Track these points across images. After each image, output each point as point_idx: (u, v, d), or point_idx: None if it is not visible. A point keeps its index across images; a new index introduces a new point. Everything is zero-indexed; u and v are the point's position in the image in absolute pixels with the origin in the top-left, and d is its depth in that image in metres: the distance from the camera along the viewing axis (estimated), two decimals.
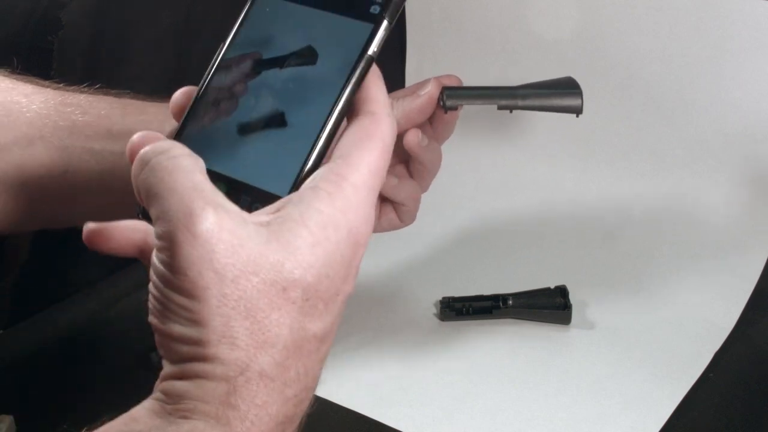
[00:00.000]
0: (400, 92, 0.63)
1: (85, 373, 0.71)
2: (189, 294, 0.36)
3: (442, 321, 0.77)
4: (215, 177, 0.41)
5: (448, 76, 0.64)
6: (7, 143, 0.59)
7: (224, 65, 0.45)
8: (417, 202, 0.66)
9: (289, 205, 0.39)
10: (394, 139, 0.42)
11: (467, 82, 1.07)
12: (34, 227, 0.69)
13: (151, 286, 0.38)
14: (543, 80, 0.69)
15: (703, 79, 0.87)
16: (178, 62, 0.94)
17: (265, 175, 0.42)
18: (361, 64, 0.43)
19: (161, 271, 0.37)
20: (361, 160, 0.40)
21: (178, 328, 0.37)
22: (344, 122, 0.43)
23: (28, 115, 0.60)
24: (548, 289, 0.76)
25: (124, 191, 0.46)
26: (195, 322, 0.36)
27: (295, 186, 0.41)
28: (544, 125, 0.97)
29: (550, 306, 0.75)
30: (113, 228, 0.43)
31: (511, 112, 0.68)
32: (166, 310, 0.37)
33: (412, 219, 0.67)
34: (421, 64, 1.04)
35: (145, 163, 0.39)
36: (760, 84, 0.85)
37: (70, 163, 0.60)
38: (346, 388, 0.68)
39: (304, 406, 0.39)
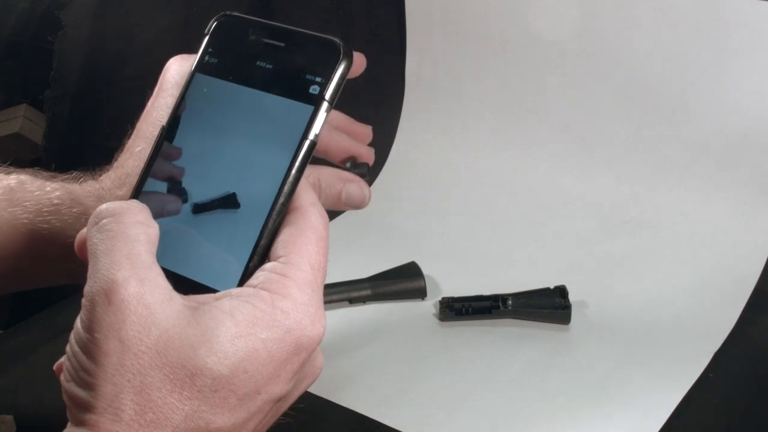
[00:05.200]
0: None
1: None
2: (91, 355, 0.36)
3: (442, 321, 0.77)
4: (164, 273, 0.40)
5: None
6: None
7: (165, 154, 0.44)
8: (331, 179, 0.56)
9: (226, 297, 0.39)
10: (327, 227, 0.41)
11: (466, 81, 1.07)
12: None
13: (68, 345, 0.38)
14: (389, 269, 0.80)
15: (702, 79, 0.87)
16: None
17: (211, 272, 0.40)
18: (302, 152, 0.41)
19: (78, 329, 0.37)
20: (301, 258, 0.40)
21: (74, 389, 0.37)
22: None
23: None
24: (548, 289, 0.76)
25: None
26: (88, 385, 0.36)
27: (241, 282, 0.40)
28: (544, 125, 0.97)
29: (549, 306, 0.75)
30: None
31: (364, 303, 0.79)
32: (72, 368, 0.37)
33: (341, 201, 0.56)
34: (421, 64, 1.04)
35: (96, 221, 0.39)
36: (760, 84, 0.85)
37: None
38: (346, 388, 0.68)
39: None
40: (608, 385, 0.68)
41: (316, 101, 0.41)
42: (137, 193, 0.43)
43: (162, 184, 0.43)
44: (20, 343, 0.76)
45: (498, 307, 0.75)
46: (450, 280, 0.82)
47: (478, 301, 0.76)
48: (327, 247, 0.41)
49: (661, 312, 0.77)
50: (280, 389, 0.38)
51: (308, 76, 0.42)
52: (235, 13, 0.45)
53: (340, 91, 0.42)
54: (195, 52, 0.45)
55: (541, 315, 0.75)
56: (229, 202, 0.42)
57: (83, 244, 0.40)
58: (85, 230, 0.41)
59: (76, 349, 0.37)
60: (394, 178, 1.00)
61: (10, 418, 0.62)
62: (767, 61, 0.84)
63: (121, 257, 0.37)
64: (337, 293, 0.79)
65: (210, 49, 0.45)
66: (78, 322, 0.38)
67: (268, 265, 0.40)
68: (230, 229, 0.41)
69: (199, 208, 0.42)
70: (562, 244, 0.88)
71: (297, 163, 0.41)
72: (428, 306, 0.79)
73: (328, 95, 0.41)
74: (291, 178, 0.41)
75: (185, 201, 0.42)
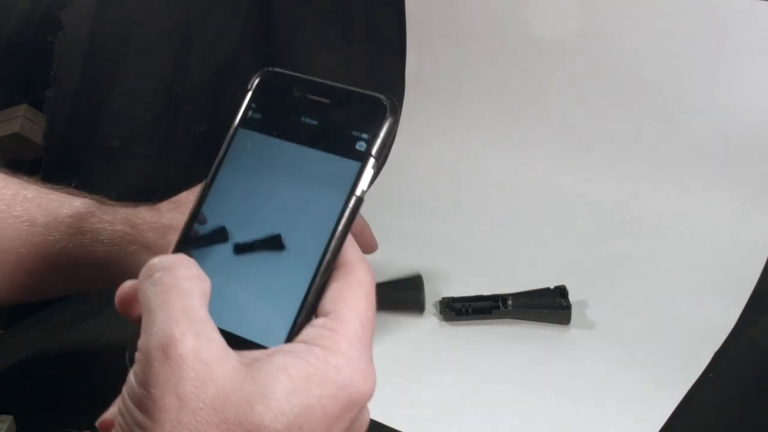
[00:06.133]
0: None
1: (85, 372, 0.71)
2: (147, 412, 0.36)
3: (442, 321, 0.77)
4: None
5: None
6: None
7: (208, 211, 0.43)
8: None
9: (279, 353, 0.38)
10: (374, 283, 0.41)
11: (466, 82, 1.07)
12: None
13: (119, 400, 0.38)
14: (392, 279, 0.77)
15: (702, 79, 0.87)
16: (178, 62, 0.94)
17: (258, 328, 0.40)
18: (349, 208, 0.40)
19: (131, 384, 0.37)
20: (351, 313, 0.39)
21: None
22: None
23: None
24: (548, 289, 0.76)
25: None
26: None
27: (289, 338, 0.40)
28: (544, 125, 0.97)
29: (549, 306, 0.75)
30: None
31: None
32: (126, 424, 0.37)
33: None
34: (421, 64, 1.04)
35: (150, 274, 0.39)
36: (759, 85, 0.85)
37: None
38: None
39: None
40: (608, 385, 0.68)
41: (362, 157, 0.41)
42: (180, 248, 0.43)
43: (206, 240, 0.43)
44: (20, 343, 0.76)
45: (498, 307, 0.75)
46: (450, 280, 0.82)
47: (478, 301, 0.76)
48: (374, 303, 0.41)
49: (661, 312, 0.77)
50: None
51: (354, 132, 0.41)
52: (278, 69, 0.44)
53: (386, 148, 0.42)
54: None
55: (541, 315, 0.75)
56: (274, 244, 0.41)
57: (127, 298, 0.40)
58: (126, 284, 0.41)
59: (131, 404, 0.37)
60: (394, 178, 1.00)
61: (10, 418, 0.62)
62: (767, 61, 0.84)
63: (176, 311, 0.37)
64: None
65: (253, 105, 0.44)
66: (131, 377, 0.37)
67: (317, 321, 0.40)
68: (278, 285, 0.41)
69: (246, 262, 0.42)
70: (562, 244, 0.88)
71: (344, 220, 0.40)
72: (428, 306, 0.79)
73: (374, 151, 0.41)
74: (338, 234, 0.40)
75: (230, 257, 0.42)
